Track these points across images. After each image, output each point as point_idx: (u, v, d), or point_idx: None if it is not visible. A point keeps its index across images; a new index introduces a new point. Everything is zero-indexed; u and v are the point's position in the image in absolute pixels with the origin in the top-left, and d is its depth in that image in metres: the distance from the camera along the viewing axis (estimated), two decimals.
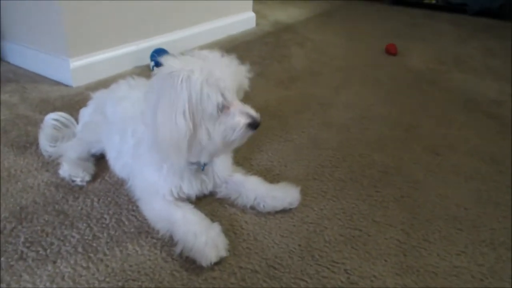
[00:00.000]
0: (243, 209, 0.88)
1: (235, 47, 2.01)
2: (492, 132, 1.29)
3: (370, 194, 0.96)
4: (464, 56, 2.04)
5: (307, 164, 1.07)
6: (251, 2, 2.37)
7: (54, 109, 1.16)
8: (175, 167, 0.81)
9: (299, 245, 0.79)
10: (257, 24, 2.44)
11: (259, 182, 0.91)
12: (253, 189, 0.89)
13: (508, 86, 1.67)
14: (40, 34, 1.49)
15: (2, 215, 0.83)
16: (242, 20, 2.31)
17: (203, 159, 0.80)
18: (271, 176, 1.00)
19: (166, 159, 0.80)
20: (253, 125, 0.75)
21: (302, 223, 0.85)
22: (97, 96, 1.03)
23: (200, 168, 0.84)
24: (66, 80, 1.46)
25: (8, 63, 1.64)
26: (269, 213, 0.88)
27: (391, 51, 2.00)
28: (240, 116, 0.74)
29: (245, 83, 0.79)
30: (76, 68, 1.44)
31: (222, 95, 0.71)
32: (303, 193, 0.92)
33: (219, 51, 0.78)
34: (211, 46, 1.99)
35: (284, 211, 0.88)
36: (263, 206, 0.88)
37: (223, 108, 0.72)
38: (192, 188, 0.85)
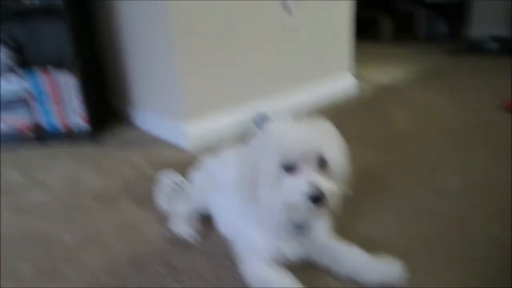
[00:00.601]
0: (342, 280, 0.85)
1: (333, 110, 2.04)
2: None
3: (490, 276, 0.84)
4: None
5: (412, 236, 1.00)
6: (350, 66, 2.42)
7: (171, 170, 1.30)
8: (274, 226, 0.84)
9: None
10: (357, 87, 2.47)
11: (359, 252, 0.88)
12: (353, 260, 0.86)
13: None
14: (160, 101, 1.74)
15: (122, 262, 0.95)
16: (342, 84, 2.36)
17: (293, 219, 0.81)
18: (371, 247, 0.95)
19: (264, 219, 0.83)
20: (314, 198, 0.72)
21: None
22: (208, 161, 1.14)
23: (300, 230, 0.85)
24: (182, 143, 1.65)
25: (138, 128, 1.92)
26: (370, 286, 0.83)
27: (510, 107, 1.82)
28: (302, 184, 0.73)
29: (331, 151, 0.77)
30: (190, 132, 1.63)
31: (287, 156, 0.73)
32: (409, 268, 0.86)
33: (314, 117, 0.82)
34: (310, 110, 2.06)
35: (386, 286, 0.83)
36: (364, 279, 0.83)
37: (289, 171, 0.74)
38: (291, 251, 0.86)
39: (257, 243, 0.86)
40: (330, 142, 0.78)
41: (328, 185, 0.74)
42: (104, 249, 1.01)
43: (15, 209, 1.23)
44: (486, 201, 1.13)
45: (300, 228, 0.85)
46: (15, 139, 1.77)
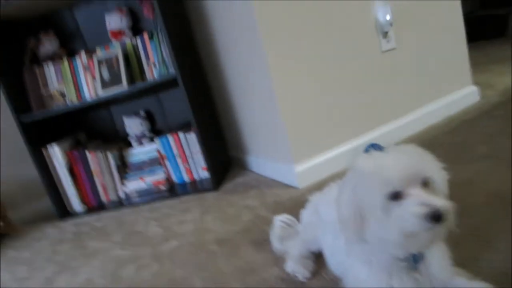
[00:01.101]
0: None
1: (453, 129, 1.86)
2: None
3: None
4: None
5: None
6: (469, 76, 2.19)
7: (285, 210, 1.35)
8: (384, 262, 0.80)
9: None
10: (482, 96, 2.21)
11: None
12: None
13: None
14: (270, 146, 1.84)
15: None
16: (461, 96, 2.14)
17: (403, 252, 0.76)
18: (506, 282, 0.83)
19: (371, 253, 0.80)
20: (434, 216, 0.66)
21: None
22: (313, 199, 1.16)
23: (413, 265, 0.79)
24: (293, 183, 1.70)
25: (253, 172, 2.05)
26: None
27: None
28: (415, 206, 0.67)
29: (431, 167, 0.73)
30: (300, 172, 1.67)
31: (390, 184, 0.69)
32: None
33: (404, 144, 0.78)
34: (427, 131, 1.92)
35: None
36: None
37: (396, 198, 0.70)
38: (404, 286, 0.80)
39: (366, 281, 0.83)
40: (427, 159, 0.75)
41: (440, 201, 0.68)
42: None
43: (155, 257, 1.43)
44: None
45: (413, 262, 0.79)
46: (151, 193, 2.07)
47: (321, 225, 1.04)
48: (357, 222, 0.77)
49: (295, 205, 1.50)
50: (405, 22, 1.90)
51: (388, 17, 1.80)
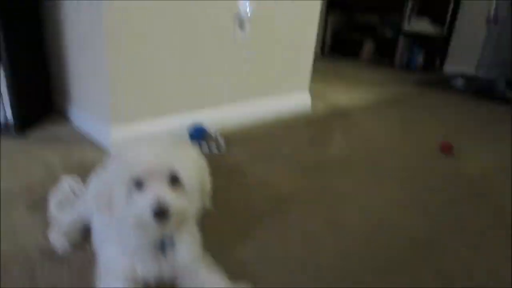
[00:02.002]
0: None
1: (276, 128, 2.03)
2: None
3: None
4: None
5: (289, 267, 0.98)
6: (307, 83, 2.40)
7: (85, 173, 1.23)
8: (132, 245, 0.81)
9: None
10: (312, 105, 2.46)
11: (222, 280, 0.86)
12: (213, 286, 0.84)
13: None
14: (92, 102, 1.71)
15: None
16: (295, 101, 2.34)
17: (149, 236, 0.78)
18: (244, 273, 0.93)
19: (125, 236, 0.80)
20: (157, 213, 0.70)
21: None
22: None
23: (159, 249, 0.82)
24: (106, 145, 1.61)
25: (72, 125, 1.88)
26: None
27: (445, 151, 1.82)
28: (146, 199, 0.71)
29: (184, 167, 0.75)
30: (116, 136, 1.59)
31: (134, 172, 0.72)
32: None
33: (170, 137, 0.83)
34: (250, 124, 2.04)
35: None
36: None
37: (139, 188, 0.73)
38: (147, 270, 0.82)
39: (114, 261, 0.83)
40: (184, 160, 0.77)
41: (175, 201, 0.72)
42: None
43: None
44: (376, 244, 1.12)
45: (160, 248, 0.82)
46: None
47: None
48: (105, 201, 0.77)
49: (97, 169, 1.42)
50: (262, 20, 1.96)
51: (247, 11, 1.85)
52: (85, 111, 1.80)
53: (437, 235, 1.17)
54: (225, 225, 1.14)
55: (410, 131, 2.14)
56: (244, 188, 1.38)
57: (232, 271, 0.89)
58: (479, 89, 3.10)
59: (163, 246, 0.81)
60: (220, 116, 1.95)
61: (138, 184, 0.73)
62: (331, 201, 1.33)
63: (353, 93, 2.89)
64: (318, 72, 2.53)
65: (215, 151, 1.68)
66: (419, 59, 3.94)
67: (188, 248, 0.86)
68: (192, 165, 0.78)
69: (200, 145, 1.70)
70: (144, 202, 0.71)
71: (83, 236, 1.04)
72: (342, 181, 1.49)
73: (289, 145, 1.81)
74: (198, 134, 1.76)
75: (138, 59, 1.59)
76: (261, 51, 2.04)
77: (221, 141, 1.76)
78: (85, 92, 1.77)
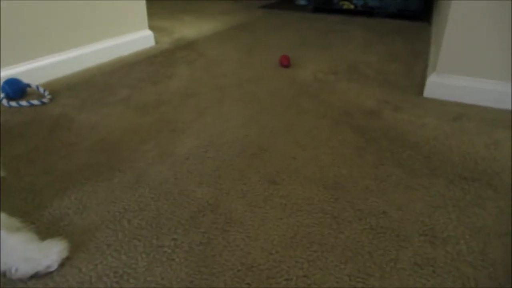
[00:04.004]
0: None
1: (114, 70, 1.85)
2: (351, 149, 1.17)
3: (162, 244, 0.80)
4: (361, 63, 1.95)
5: (110, 208, 0.91)
6: (145, 20, 2.23)
7: None
8: None
9: None
10: (157, 42, 2.31)
11: (21, 241, 0.75)
12: (11, 250, 0.73)
13: (391, 93, 1.57)
14: None
15: None
16: (137, 39, 2.17)
17: None
18: (57, 228, 0.84)
19: None
20: None
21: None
22: None
23: None
24: None
25: None
26: (21, 280, 0.71)
27: (283, 63, 1.89)
28: None
29: None
30: None
31: None
32: (82, 248, 0.77)
33: None
34: (90, 71, 1.83)
35: (40, 276, 0.72)
36: (15, 271, 0.71)
37: None
38: None
39: None
40: None
41: None
42: None
43: None
44: (210, 162, 1.12)
45: None
46: None
47: None
48: None
49: None
50: None
51: None
52: None
53: (269, 141, 1.22)
54: (43, 180, 1.01)
55: (254, 52, 2.16)
56: (69, 136, 1.23)
57: (48, 229, 0.80)
58: (319, 4, 3.26)
59: None
60: (46, 68, 1.69)
61: None
62: (167, 132, 1.28)
63: (201, 25, 2.79)
64: (164, 9, 2.35)
65: (37, 103, 1.47)
66: None
67: None
68: None
69: (17, 102, 1.47)
70: None
71: None
72: (182, 112, 1.44)
73: (126, 86, 1.67)
74: (14, 89, 1.50)
75: None
76: None
77: (44, 93, 1.53)
78: None
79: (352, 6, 3.06)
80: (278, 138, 1.24)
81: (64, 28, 1.76)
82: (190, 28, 2.68)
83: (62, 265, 0.75)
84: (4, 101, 1.47)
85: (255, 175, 1.04)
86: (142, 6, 2.19)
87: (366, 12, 3.03)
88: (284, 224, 0.86)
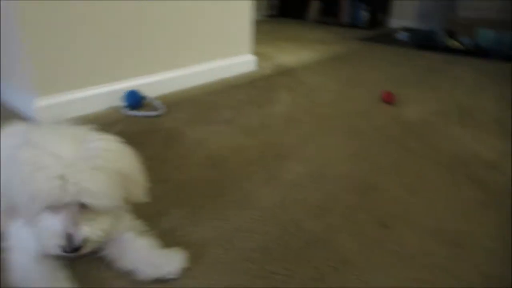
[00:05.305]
0: (120, 274, 0.77)
1: (219, 90, 1.95)
2: (471, 203, 1.07)
3: (276, 271, 0.80)
4: (475, 107, 1.81)
5: (222, 226, 0.93)
6: (249, 45, 2.33)
7: None
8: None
9: None
10: (259, 66, 2.40)
11: (146, 245, 0.80)
12: (136, 252, 0.78)
13: None
14: (14, 70, 1.54)
15: None
16: (241, 62, 2.27)
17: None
18: (174, 237, 0.88)
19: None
20: (69, 251, 0.64)
21: None
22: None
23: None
24: (32, 116, 1.47)
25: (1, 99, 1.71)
26: (145, 281, 0.76)
27: (386, 99, 1.83)
28: (56, 234, 0.63)
29: (95, 190, 0.64)
30: (42, 106, 1.45)
31: (35, 201, 0.61)
32: (197, 261, 0.80)
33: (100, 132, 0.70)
34: (194, 88, 1.96)
35: (161, 280, 0.76)
36: (140, 273, 0.76)
37: (50, 207, 0.63)
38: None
39: (24, 239, 0.75)
40: (94, 180, 0.64)
41: (87, 230, 0.65)
42: None
43: None
44: (318, 193, 1.10)
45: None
46: None
47: None
48: (9, 211, 0.67)
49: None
50: None
51: None
52: (9, 82, 1.62)
53: (376, 179, 1.17)
54: (160, 188, 1.07)
55: (354, 84, 2.14)
56: (181, 149, 1.31)
57: (164, 236, 0.85)
58: (421, 40, 3.15)
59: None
60: (159, 83, 1.84)
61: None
62: (273, 156, 1.30)
63: (300, 53, 2.85)
64: (266, 35, 2.45)
65: (153, 115, 1.59)
66: (364, 16, 3.94)
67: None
68: (106, 182, 0.66)
69: (136, 111, 1.61)
70: (52, 236, 0.63)
71: None
72: (286, 137, 1.45)
73: (231, 106, 1.74)
74: (133, 100, 1.65)
75: (60, 26, 1.43)
76: (194, 15, 1.92)
77: (159, 106, 1.66)
78: (10, 64, 1.58)
79: (460, 46, 2.90)
80: (386, 178, 1.18)
81: (177, 47, 1.90)
82: (289, 55, 2.74)
83: (181, 274, 0.77)
84: (125, 110, 1.62)
85: (365, 214, 1.00)
86: (248, 32, 2.29)
87: (477, 52, 2.84)
88: (399, 274, 0.81)
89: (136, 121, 1.55)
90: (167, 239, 0.86)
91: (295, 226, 0.94)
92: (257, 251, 0.85)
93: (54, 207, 0.63)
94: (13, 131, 0.93)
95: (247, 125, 1.54)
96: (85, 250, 0.66)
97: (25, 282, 0.71)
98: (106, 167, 0.66)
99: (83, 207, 0.65)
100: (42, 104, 1.46)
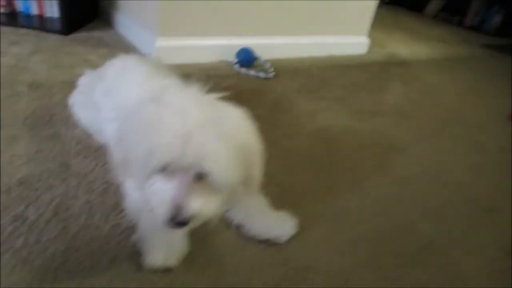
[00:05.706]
0: (228, 224, 0.77)
1: (329, 67, 1.87)
2: None
3: (385, 267, 0.74)
4: None
5: (333, 204, 0.89)
6: (367, 27, 2.20)
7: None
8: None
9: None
10: (369, 51, 2.26)
11: (259, 203, 0.78)
12: (248, 207, 0.77)
13: None
14: (139, 8, 1.60)
15: None
16: (352, 43, 2.16)
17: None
18: (284, 202, 0.85)
19: None
20: (174, 222, 0.56)
21: (281, 265, 0.70)
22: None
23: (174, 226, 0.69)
24: (150, 55, 1.53)
25: (116, 31, 1.80)
26: (251, 238, 0.74)
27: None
28: (166, 201, 0.56)
29: (216, 160, 0.56)
30: (161, 46, 1.50)
31: (153, 159, 0.55)
32: (304, 234, 0.77)
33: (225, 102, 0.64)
34: (303, 59, 1.89)
35: (269, 242, 0.74)
36: (248, 228, 0.75)
37: (159, 171, 0.57)
38: None
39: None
40: (219, 148, 0.56)
41: (198, 205, 0.57)
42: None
43: None
44: (434, 198, 1.00)
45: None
46: None
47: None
48: (124, 166, 0.64)
49: None
50: None
51: None
52: (131, 19, 1.70)
53: (501, 199, 1.04)
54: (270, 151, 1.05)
55: (477, 94, 1.92)
56: (289, 117, 1.28)
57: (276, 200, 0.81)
58: None
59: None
60: (272, 46, 1.81)
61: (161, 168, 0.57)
62: (386, 147, 1.21)
63: (415, 46, 2.64)
64: (378, 20, 2.29)
65: (263, 76, 1.57)
66: (496, 20, 3.51)
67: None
68: (227, 157, 0.57)
69: (246, 69, 1.60)
70: (162, 202, 0.56)
71: None
72: (398, 130, 1.35)
73: (342, 86, 1.66)
74: (246, 58, 1.63)
75: None
76: None
77: (269, 69, 1.63)
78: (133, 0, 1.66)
79: None
80: (509, 199, 1.05)
81: (298, 15, 1.84)
82: (403, 47, 2.55)
83: (288, 240, 0.75)
84: (236, 66, 1.61)
85: (486, 234, 0.89)
86: (371, 13, 2.15)
87: None
88: None
89: (246, 79, 1.54)
90: (277, 205, 0.83)
91: (409, 225, 0.87)
92: (368, 241, 0.80)
93: (169, 172, 0.57)
94: (125, 60, 0.96)
95: (357, 108, 1.46)
96: (189, 227, 0.58)
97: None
98: (232, 138, 0.58)
99: (199, 180, 0.57)
100: (161, 44, 1.50)
